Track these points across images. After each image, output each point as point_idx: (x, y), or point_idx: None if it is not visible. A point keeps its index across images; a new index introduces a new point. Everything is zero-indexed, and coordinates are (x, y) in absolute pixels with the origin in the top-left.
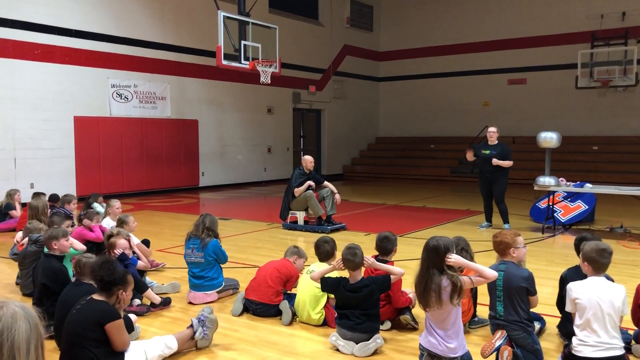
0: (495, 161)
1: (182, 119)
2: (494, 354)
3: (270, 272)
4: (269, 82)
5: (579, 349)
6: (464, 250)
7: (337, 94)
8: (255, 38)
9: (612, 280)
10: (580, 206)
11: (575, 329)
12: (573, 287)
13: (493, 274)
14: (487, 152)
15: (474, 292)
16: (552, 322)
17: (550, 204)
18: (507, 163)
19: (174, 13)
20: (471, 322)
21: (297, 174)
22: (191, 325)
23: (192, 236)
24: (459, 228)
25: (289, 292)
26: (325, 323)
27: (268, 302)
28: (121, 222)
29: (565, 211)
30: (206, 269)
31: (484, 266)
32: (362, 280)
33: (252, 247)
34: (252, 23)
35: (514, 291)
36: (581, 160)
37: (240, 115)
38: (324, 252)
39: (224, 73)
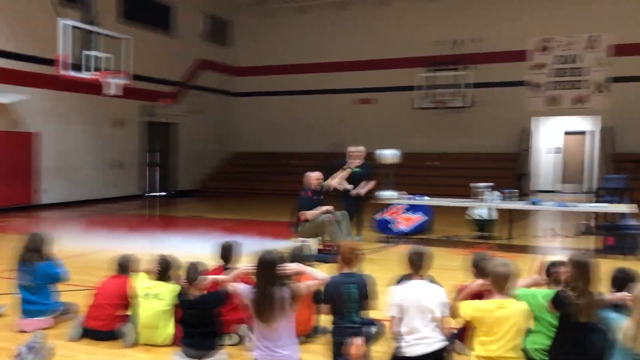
0: (363, 191)
1: (19, 132)
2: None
3: (109, 297)
4: (119, 94)
5: (406, 349)
6: (302, 259)
7: (193, 107)
8: (103, 48)
9: (435, 282)
10: (420, 217)
11: (400, 331)
12: (396, 291)
13: (325, 277)
14: (357, 170)
15: (317, 302)
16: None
17: (392, 215)
18: (372, 185)
19: (9, 17)
20: (312, 332)
21: (304, 196)
22: (19, 354)
23: (22, 259)
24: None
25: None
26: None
27: (109, 330)
28: None
29: (406, 222)
30: (38, 293)
31: (315, 270)
32: (199, 296)
33: (94, 268)
34: (99, 33)
35: (365, 297)
36: (423, 175)
37: (87, 128)
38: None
39: (69, 84)
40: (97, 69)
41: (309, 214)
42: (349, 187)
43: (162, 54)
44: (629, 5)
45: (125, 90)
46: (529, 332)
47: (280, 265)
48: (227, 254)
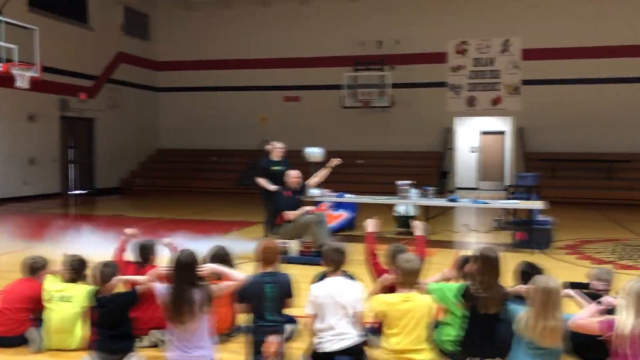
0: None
1: None
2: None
3: (15, 301)
4: (28, 86)
5: (321, 346)
6: (222, 259)
7: (112, 102)
8: (11, 38)
9: (353, 279)
10: (344, 214)
11: (317, 328)
12: (313, 288)
13: (242, 277)
14: (279, 168)
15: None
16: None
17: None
18: None
19: None
20: (232, 330)
21: (285, 195)
22: None
23: None
24: (235, 239)
25: (38, 316)
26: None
27: (12, 335)
28: None
29: (330, 219)
30: None
31: (233, 270)
32: (110, 296)
33: (1, 271)
34: (6, 22)
35: (283, 297)
36: (348, 173)
37: None
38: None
39: None
40: (5, 60)
41: (291, 214)
42: (274, 187)
43: (78, 46)
44: (538, 11)
45: (38, 83)
46: (441, 324)
47: (197, 265)
48: (144, 253)
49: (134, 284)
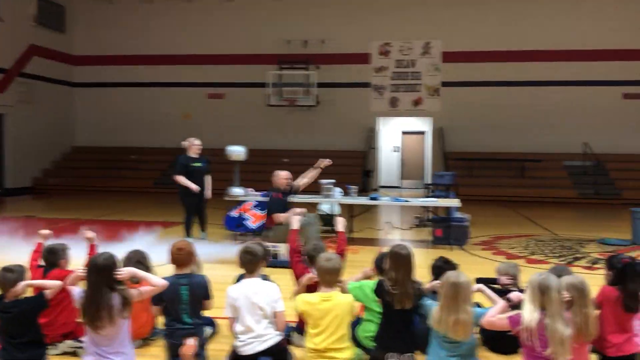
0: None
1: None
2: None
3: None
4: None
5: (242, 349)
6: (140, 262)
7: (23, 97)
8: None
9: (268, 280)
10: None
11: (235, 331)
12: (229, 291)
13: (162, 283)
14: (197, 164)
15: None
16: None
17: (242, 212)
18: (210, 180)
19: None
20: (152, 334)
21: (275, 197)
22: None
23: None
24: (154, 240)
25: None
26: None
27: None
28: None
29: (255, 219)
30: None
31: (153, 275)
32: (12, 302)
33: None
34: None
35: (199, 299)
36: (272, 172)
37: None
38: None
39: None
40: None
41: (282, 216)
42: (195, 187)
43: None
44: (458, 15)
45: None
46: (361, 321)
47: (115, 269)
48: (50, 257)
49: (42, 288)
